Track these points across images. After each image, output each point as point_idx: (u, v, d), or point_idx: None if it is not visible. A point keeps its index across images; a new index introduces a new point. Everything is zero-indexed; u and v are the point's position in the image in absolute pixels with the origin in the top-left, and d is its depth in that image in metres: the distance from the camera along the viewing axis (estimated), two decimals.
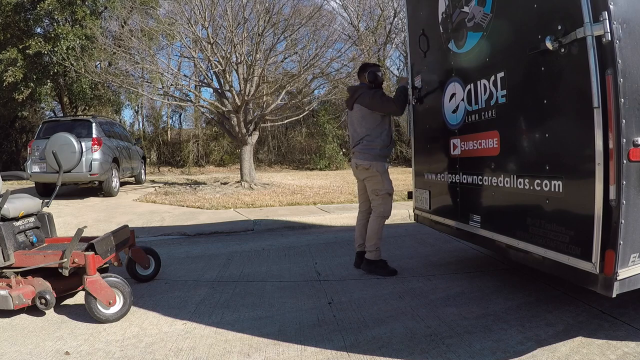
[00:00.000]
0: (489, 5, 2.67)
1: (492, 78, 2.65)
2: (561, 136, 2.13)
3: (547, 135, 2.22)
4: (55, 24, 12.45)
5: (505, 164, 2.61)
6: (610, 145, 1.80)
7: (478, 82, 2.80)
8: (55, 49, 11.59)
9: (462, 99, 3.01)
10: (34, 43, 11.68)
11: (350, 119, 3.75)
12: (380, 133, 3.55)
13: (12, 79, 11.73)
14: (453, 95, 3.14)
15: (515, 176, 2.49)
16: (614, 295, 1.87)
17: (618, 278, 1.85)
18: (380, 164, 3.55)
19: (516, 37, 2.44)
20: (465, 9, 2.89)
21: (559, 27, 2.04)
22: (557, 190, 2.15)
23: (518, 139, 2.49)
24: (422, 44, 3.54)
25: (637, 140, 1.80)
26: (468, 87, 2.94)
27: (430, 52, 3.47)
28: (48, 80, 13.09)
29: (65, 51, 11.49)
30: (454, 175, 3.22)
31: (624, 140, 1.78)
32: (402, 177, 11.57)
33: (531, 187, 2.34)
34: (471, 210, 2.99)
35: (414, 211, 4.01)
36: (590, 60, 1.83)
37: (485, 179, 2.80)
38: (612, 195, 1.81)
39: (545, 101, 2.21)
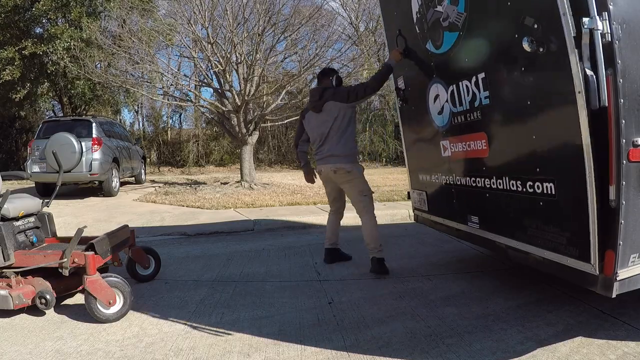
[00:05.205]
0: (462, 3, 2.59)
1: (474, 79, 2.58)
2: (549, 138, 2.09)
3: (534, 137, 2.17)
4: (51, 24, 12.42)
5: (496, 166, 2.56)
6: (610, 146, 1.79)
7: (460, 83, 2.74)
8: (51, 50, 11.56)
9: (446, 101, 2.95)
10: (29, 44, 11.67)
11: (314, 122, 3.59)
12: (353, 132, 3.54)
13: (10, 78, 11.72)
14: (437, 96, 3.08)
15: (507, 178, 2.45)
16: (613, 296, 1.87)
17: (618, 278, 1.84)
18: (359, 165, 3.58)
19: (493, 37, 2.38)
20: (439, 8, 2.81)
21: (536, 26, 1.99)
22: (549, 192, 2.12)
23: (506, 140, 2.44)
24: (400, 44, 3.46)
25: (636, 141, 1.80)
26: (451, 88, 2.87)
27: (409, 53, 3.39)
28: (45, 80, 13.06)
29: (62, 52, 11.47)
30: (447, 177, 3.18)
31: (624, 140, 1.77)
32: (402, 177, 11.56)
33: (524, 189, 2.30)
34: (468, 211, 2.97)
35: (413, 211, 4.01)
36: (598, 57, 1.76)
37: (478, 181, 2.76)
38: (612, 195, 1.80)
39: (529, 102, 2.16)
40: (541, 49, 1.97)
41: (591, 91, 1.77)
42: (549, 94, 2.04)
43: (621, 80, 1.77)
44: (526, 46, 1.99)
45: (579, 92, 1.82)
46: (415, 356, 2.14)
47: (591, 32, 1.74)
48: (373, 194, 3.66)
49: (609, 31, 1.75)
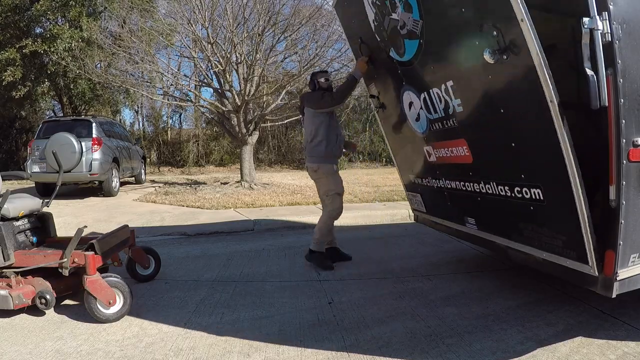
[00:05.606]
0: (416, 11, 2.49)
1: (443, 87, 2.52)
2: (529, 145, 2.07)
3: (513, 144, 2.14)
4: (51, 24, 12.40)
5: (482, 172, 2.53)
6: (610, 146, 1.78)
7: (431, 91, 2.68)
8: (52, 49, 11.56)
9: (421, 108, 2.90)
10: (30, 43, 11.66)
11: (304, 125, 3.93)
12: (327, 133, 3.66)
13: (11, 78, 11.71)
14: (411, 103, 3.03)
15: (495, 183, 2.42)
16: (613, 296, 1.88)
17: (618, 278, 1.85)
18: (328, 166, 3.69)
19: (454, 45, 2.32)
20: (394, 15, 2.72)
21: (495, 34, 1.93)
22: (538, 197, 2.11)
23: (487, 147, 2.41)
24: (364, 52, 3.40)
25: (636, 141, 1.80)
26: (423, 95, 2.82)
27: (375, 61, 3.32)
28: (45, 80, 13.05)
29: (62, 52, 11.46)
30: (437, 181, 3.16)
31: (624, 140, 1.77)
32: None
33: (513, 194, 2.28)
34: (464, 213, 2.96)
35: (413, 212, 4.01)
36: (598, 57, 1.74)
37: (468, 186, 2.72)
38: (612, 195, 1.80)
39: (502, 110, 2.12)
40: (505, 57, 1.93)
41: (591, 91, 1.75)
42: (520, 102, 2.00)
43: (621, 80, 1.77)
44: (488, 57, 1.94)
45: (551, 102, 1.79)
46: (415, 356, 2.14)
47: (591, 32, 1.73)
48: (338, 195, 3.71)
49: (609, 31, 1.74)
